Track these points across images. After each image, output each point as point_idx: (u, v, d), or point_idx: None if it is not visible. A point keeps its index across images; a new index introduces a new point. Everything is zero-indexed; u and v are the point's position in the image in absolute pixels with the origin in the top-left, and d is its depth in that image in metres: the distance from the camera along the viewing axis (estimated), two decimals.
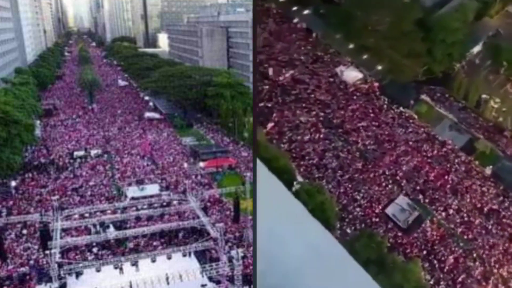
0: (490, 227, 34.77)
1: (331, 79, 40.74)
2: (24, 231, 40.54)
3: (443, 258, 32.50)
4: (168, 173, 56.00)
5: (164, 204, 45.05)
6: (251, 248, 36.58)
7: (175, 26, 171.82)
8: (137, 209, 43.28)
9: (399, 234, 33.27)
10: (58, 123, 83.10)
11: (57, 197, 43.51)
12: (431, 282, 31.28)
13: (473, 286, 31.62)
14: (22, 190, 49.52)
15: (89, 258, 36.73)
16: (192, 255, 36.19)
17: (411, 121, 39.86)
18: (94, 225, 40.76)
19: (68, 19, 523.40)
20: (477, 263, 32.70)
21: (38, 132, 70.51)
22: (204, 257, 36.18)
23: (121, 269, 33.37)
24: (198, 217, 39.78)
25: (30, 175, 53.99)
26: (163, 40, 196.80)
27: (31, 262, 35.85)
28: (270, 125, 35.90)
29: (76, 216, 41.41)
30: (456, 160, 37.90)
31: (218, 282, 33.12)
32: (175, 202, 45.23)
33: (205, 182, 53.78)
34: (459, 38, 39.91)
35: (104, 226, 40.92)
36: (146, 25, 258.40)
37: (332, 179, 34.94)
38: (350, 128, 38.05)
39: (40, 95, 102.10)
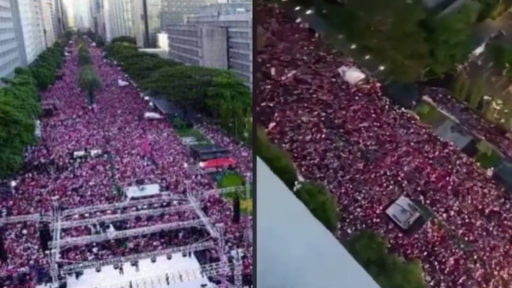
0: (491, 229, 34.75)
1: (333, 79, 40.69)
2: (24, 231, 40.41)
3: (443, 260, 32.45)
4: (168, 173, 55.90)
5: (164, 204, 44.95)
6: (251, 248, 36.50)
7: (175, 26, 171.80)
8: (137, 209, 43.18)
9: (400, 235, 33.22)
10: (58, 123, 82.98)
11: (57, 197, 43.40)
12: (432, 284, 31.25)
13: None
14: (22, 190, 49.39)
15: (89, 258, 36.62)
16: (192, 255, 36.09)
17: (412, 122, 39.80)
18: (94, 225, 40.65)
19: (68, 19, 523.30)
20: (477, 265, 32.67)
21: (38, 132, 70.38)
22: (204, 257, 36.09)
23: (121, 269, 33.27)
24: (198, 217, 39.69)
25: (30, 175, 53.85)
26: (163, 40, 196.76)
27: (31, 262, 35.72)
28: (272, 124, 35.84)
29: (76, 216, 41.30)
30: (458, 162, 37.87)
31: (218, 282, 33.03)
32: (175, 202, 45.13)
33: (205, 182, 53.69)
34: (461, 39, 39.87)
35: (104, 226, 40.81)
36: (146, 25, 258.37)
37: (333, 179, 34.88)
38: (352, 129, 37.99)
39: (40, 95, 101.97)
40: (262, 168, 14.74)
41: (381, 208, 34.09)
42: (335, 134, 37.40)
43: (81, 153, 62.58)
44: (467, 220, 34.66)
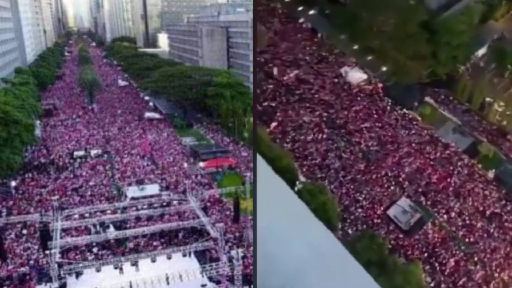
0: (492, 230, 34.60)
1: (336, 80, 40.54)
2: (24, 231, 40.36)
3: (444, 261, 32.34)
4: (168, 173, 55.85)
5: (164, 204, 44.92)
6: (251, 248, 36.44)
7: (175, 26, 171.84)
8: (137, 209, 43.15)
9: (401, 236, 33.10)
10: (58, 123, 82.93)
11: (57, 197, 43.34)
12: (432, 285, 31.16)
13: None
14: (22, 190, 49.33)
15: (89, 258, 36.57)
16: (192, 255, 36.07)
17: (414, 123, 39.66)
18: (94, 225, 40.61)
19: (68, 19, 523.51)
20: (478, 266, 32.55)
21: (38, 132, 70.33)
22: (204, 257, 36.06)
23: (121, 269, 33.24)
24: (198, 217, 39.65)
25: (30, 175, 53.79)
26: (163, 40, 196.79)
27: (31, 262, 35.67)
28: (273, 124, 35.74)
29: (76, 216, 41.25)
30: (459, 163, 37.72)
31: (218, 282, 33.01)
32: (175, 202, 45.11)
33: (205, 182, 53.65)
34: (464, 41, 39.70)
35: (104, 226, 40.76)
36: (146, 25, 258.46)
37: (334, 180, 34.75)
38: (353, 129, 37.86)
39: (40, 95, 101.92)
40: (262, 167, 14.62)
41: (382, 209, 33.98)
42: (337, 134, 37.29)
43: (81, 153, 62.55)
44: (468, 222, 34.54)
